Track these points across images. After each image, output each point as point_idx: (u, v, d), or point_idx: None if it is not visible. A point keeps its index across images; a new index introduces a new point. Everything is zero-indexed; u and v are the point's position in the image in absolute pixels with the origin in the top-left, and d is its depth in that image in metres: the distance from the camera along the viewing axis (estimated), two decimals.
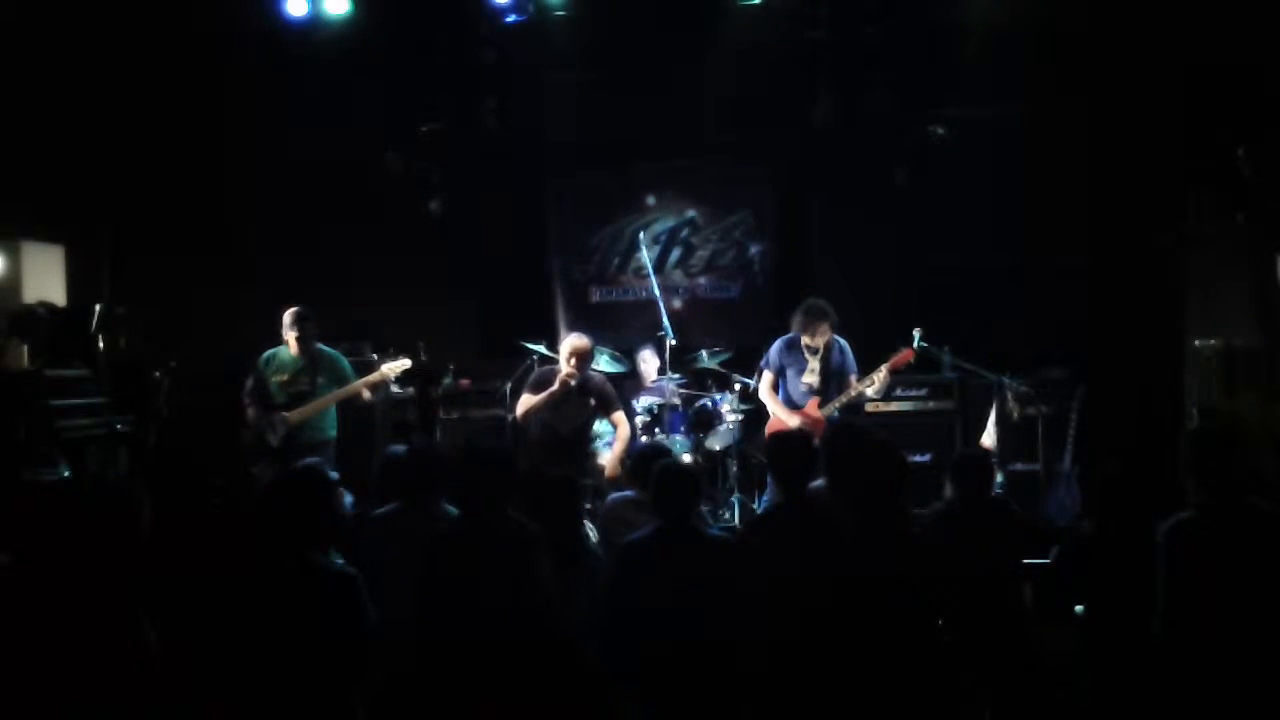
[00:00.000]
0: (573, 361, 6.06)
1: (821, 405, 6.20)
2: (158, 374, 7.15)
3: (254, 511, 3.57)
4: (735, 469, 7.33)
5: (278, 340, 6.24)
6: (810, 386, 6.24)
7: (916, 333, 6.46)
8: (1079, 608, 3.91)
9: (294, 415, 6.08)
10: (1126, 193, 7.67)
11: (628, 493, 4.86)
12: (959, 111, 7.96)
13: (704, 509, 6.52)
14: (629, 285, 9.03)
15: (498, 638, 3.54)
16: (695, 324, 8.59)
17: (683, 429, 7.38)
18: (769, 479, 5.80)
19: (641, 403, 7.51)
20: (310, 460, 5.22)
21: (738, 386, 7.37)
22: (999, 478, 6.61)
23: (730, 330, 8.48)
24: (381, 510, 4.20)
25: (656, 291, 7.55)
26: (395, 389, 7.52)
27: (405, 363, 6.43)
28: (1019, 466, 7.09)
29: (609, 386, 6.37)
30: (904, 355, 6.26)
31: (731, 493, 7.27)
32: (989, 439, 7.16)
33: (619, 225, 9.08)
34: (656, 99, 8.36)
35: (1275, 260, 6.67)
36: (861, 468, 3.70)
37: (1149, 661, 3.53)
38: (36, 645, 2.87)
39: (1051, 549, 4.10)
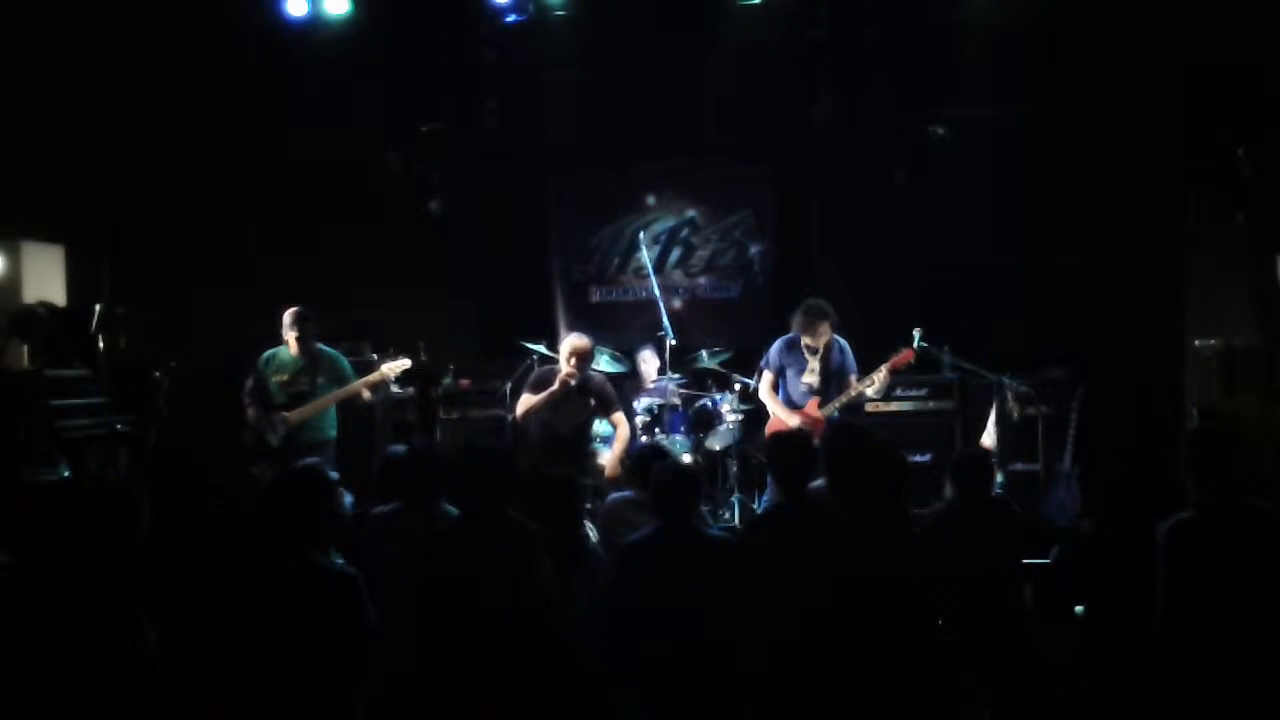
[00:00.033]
0: (573, 361, 6.06)
1: (821, 405, 6.20)
2: (158, 374, 7.14)
3: (254, 511, 3.57)
4: (735, 469, 7.33)
5: (278, 340, 6.24)
6: (810, 386, 6.24)
7: (916, 333, 6.46)
8: (1079, 608, 3.91)
9: (294, 415, 6.08)
10: (1126, 193, 7.67)
11: (627, 493, 4.86)
12: (959, 111, 7.96)
13: (704, 509, 6.53)
14: (629, 285, 9.03)
15: (498, 638, 3.54)
16: (695, 324, 8.59)
17: (683, 429, 7.38)
18: (769, 479, 5.80)
19: (642, 403, 7.51)
20: (310, 460, 5.23)
21: (738, 386, 7.37)
22: (999, 478, 6.61)
23: (730, 330, 8.47)
24: (381, 510, 4.20)
25: (656, 291, 7.55)
26: (395, 389, 7.52)
27: (405, 363, 6.43)
28: (1019, 466, 7.08)
29: (609, 387, 6.37)
30: (904, 355, 6.26)
31: (731, 493, 7.27)
32: (989, 439, 7.16)
33: (619, 225, 9.08)
34: (656, 99, 8.36)
35: (1275, 260, 6.67)
36: (861, 468, 3.70)
37: (1149, 661, 3.53)
38: (36, 645, 2.87)
39: (1051, 549, 4.10)
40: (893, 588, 3.47)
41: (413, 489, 4.14)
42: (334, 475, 3.66)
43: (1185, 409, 7.07)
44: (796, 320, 6.31)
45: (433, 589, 3.63)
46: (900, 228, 8.31)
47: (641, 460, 4.79)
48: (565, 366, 6.08)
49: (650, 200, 9.07)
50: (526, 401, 6.16)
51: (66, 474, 6.02)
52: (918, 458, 6.87)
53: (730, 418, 7.33)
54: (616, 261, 9.09)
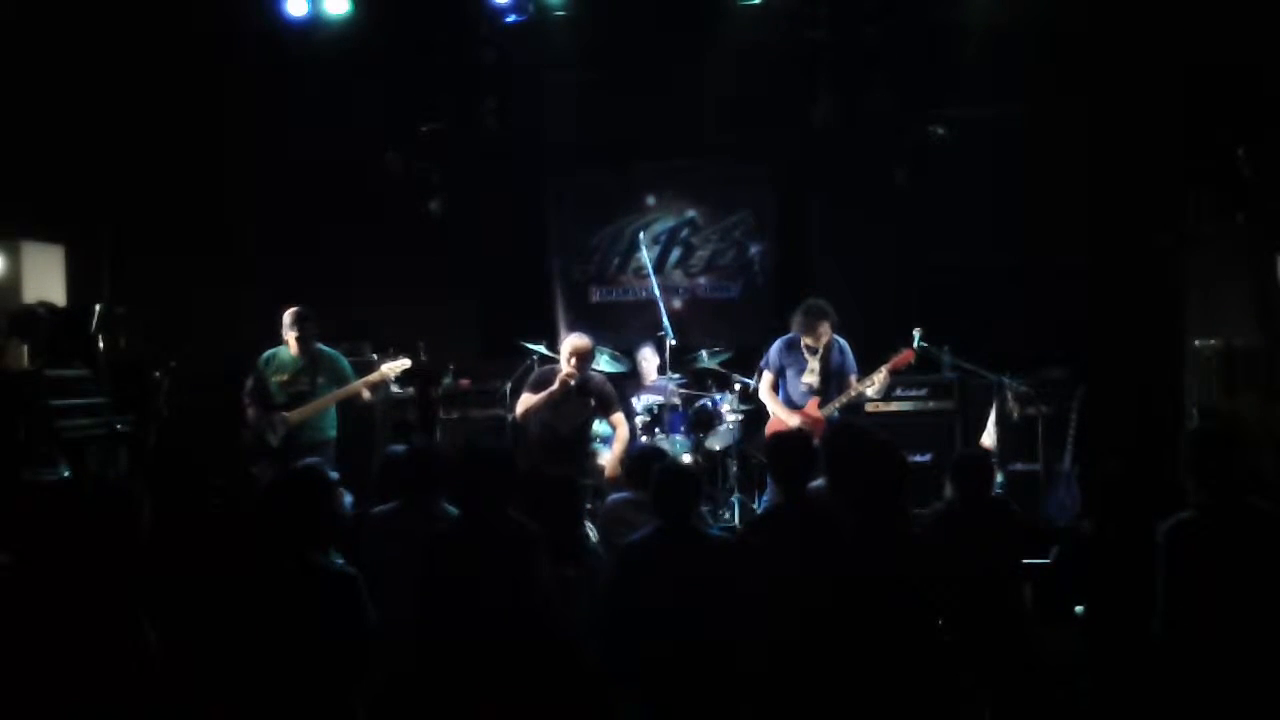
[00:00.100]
0: (573, 361, 6.06)
1: (821, 405, 6.20)
2: (158, 374, 7.14)
3: (254, 511, 3.57)
4: (735, 469, 7.33)
5: (278, 340, 6.24)
6: (810, 386, 6.24)
7: (916, 333, 6.46)
8: (1079, 608, 3.91)
9: (294, 415, 6.08)
10: (1126, 193, 7.67)
11: (627, 494, 4.87)
12: (959, 111, 7.96)
13: (704, 509, 6.53)
14: (629, 285, 9.03)
15: (497, 638, 3.54)
16: (695, 324, 8.59)
17: (683, 429, 7.38)
18: (769, 479, 5.79)
19: (642, 402, 7.51)
20: (310, 460, 5.23)
21: (738, 386, 7.37)
22: (999, 478, 6.61)
23: (730, 330, 8.47)
24: (381, 510, 4.20)
25: (656, 291, 7.55)
26: (395, 389, 7.52)
27: (405, 363, 6.43)
28: (1019, 466, 7.08)
29: (609, 387, 6.37)
30: (904, 356, 6.26)
31: (731, 493, 7.27)
32: (989, 439, 7.16)
33: (619, 225, 9.08)
34: (656, 99, 8.36)
35: (1275, 260, 6.67)
36: (861, 468, 3.70)
37: (1149, 661, 3.53)
38: (36, 645, 2.87)
39: (1051, 549, 4.10)
40: (893, 588, 3.47)
41: (413, 489, 4.15)
42: (334, 475, 3.66)
43: (1185, 409, 7.07)
44: (796, 320, 6.30)
45: (433, 589, 3.63)
46: (900, 228, 8.31)
47: (640, 461, 4.80)
48: (565, 366, 6.08)
49: (650, 200, 9.07)
50: (526, 401, 6.16)
51: (66, 474, 6.02)
52: (918, 458, 6.87)
53: (730, 418, 7.33)
54: (616, 261, 9.09)
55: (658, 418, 7.39)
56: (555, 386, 6.04)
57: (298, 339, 6.15)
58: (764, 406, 6.47)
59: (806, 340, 6.27)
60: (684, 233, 9.03)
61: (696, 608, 3.61)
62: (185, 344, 7.64)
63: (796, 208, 8.88)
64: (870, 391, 6.28)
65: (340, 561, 3.54)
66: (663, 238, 9.00)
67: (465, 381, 8.09)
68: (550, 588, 3.73)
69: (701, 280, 9.02)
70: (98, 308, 7.15)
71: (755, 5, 7.81)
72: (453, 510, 4.01)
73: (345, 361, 6.38)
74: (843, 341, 6.35)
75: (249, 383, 6.18)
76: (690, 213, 9.02)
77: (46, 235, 7.63)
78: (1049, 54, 7.62)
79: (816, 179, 8.66)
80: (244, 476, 5.63)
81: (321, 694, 3.20)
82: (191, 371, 7.32)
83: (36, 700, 2.85)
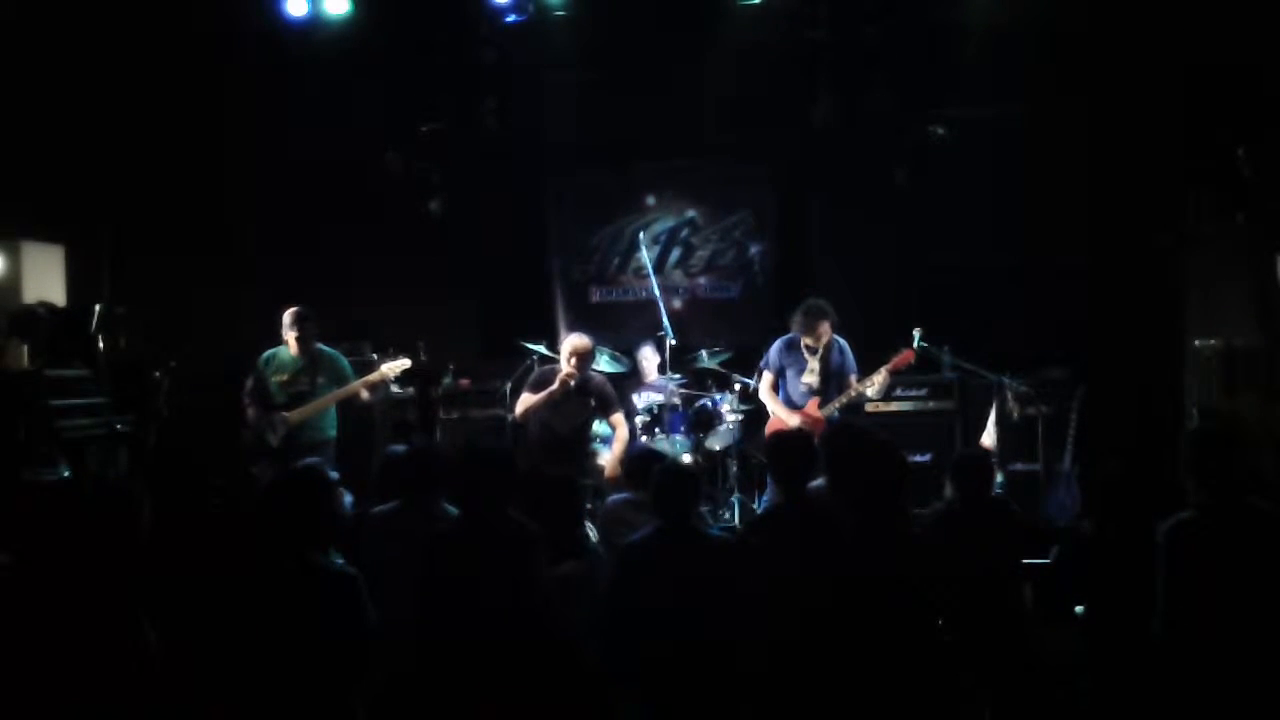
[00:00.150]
0: (573, 361, 6.06)
1: (821, 405, 6.20)
2: (158, 374, 7.14)
3: (254, 511, 3.57)
4: (735, 469, 7.33)
5: (278, 340, 6.24)
6: (810, 387, 6.24)
7: (916, 333, 6.46)
8: (1079, 608, 3.91)
9: (294, 415, 6.08)
10: (1126, 193, 7.67)
11: (627, 494, 4.87)
12: (959, 111, 7.96)
13: (704, 509, 6.53)
14: (629, 285, 9.03)
15: (497, 638, 3.54)
16: (695, 324, 8.59)
17: (683, 429, 7.38)
18: (769, 479, 5.80)
19: (642, 401, 7.51)
20: (310, 460, 5.23)
21: (738, 386, 7.37)
22: (999, 478, 6.61)
23: (730, 330, 8.47)
24: (381, 509, 4.20)
25: (656, 291, 7.56)
26: (395, 389, 7.52)
27: (405, 363, 6.43)
28: (1019, 466, 7.08)
29: (609, 387, 6.37)
30: (904, 356, 6.26)
31: (731, 493, 7.26)
32: (989, 439, 7.16)
33: (619, 225, 9.08)
34: (656, 99, 8.36)
35: (1275, 260, 6.67)
36: (861, 468, 3.70)
37: (1149, 661, 3.53)
38: (36, 645, 2.87)
39: (1051, 549, 4.10)
40: (893, 588, 3.47)
41: (413, 489, 4.15)
42: (334, 475, 3.66)
43: (1185, 409, 7.07)
44: (796, 320, 6.30)
45: (433, 589, 3.63)
46: (900, 228, 8.31)
47: (640, 462, 4.80)
48: (565, 366, 6.08)
49: (650, 200, 9.07)
50: (526, 401, 6.16)
51: (66, 474, 6.02)
52: (918, 458, 6.87)
53: (730, 418, 7.33)
54: (616, 261, 9.09)
55: (658, 418, 7.39)
56: (555, 386, 6.04)
57: (298, 339, 6.15)
58: (764, 406, 6.47)
59: (806, 340, 6.27)
60: (684, 233, 9.03)
61: (696, 608, 3.61)
62: (185, 344, 7.64)
63: (796, 208, 8.88)
64: (870, 392, 6.28)
65: (340, 561, 3.54)
66: (663, 238, 9.00)
67: (465, 381, 8.10)
68: (550, 588, 3.73)
69: (701, 280, 9.02)
70: (98, 308, 7.15)
71: (755, 5, 7.81)
72: (453, 510, 4.01)
73: (345, 361, 6.38)
74: (843, 341, 6.35)
75: (249, 383, 6.18)
76: (690, 213, 9.02)
77: (46, 235, 7.63)
78: (1049, 54, 7.62)
79: (816, 179, 8.67)
80: (244, 476, 5.63)
81: (321, 694, 3.20)
82: (191, 371, 7.32)
83: (37, 700, 2.85)
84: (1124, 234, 7.69)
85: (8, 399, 6.17)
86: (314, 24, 7.79)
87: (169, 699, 2.97)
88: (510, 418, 7.08)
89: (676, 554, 3.71)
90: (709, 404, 7.52)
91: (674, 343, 7.22)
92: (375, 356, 7.22)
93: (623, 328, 8.68)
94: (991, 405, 7.22)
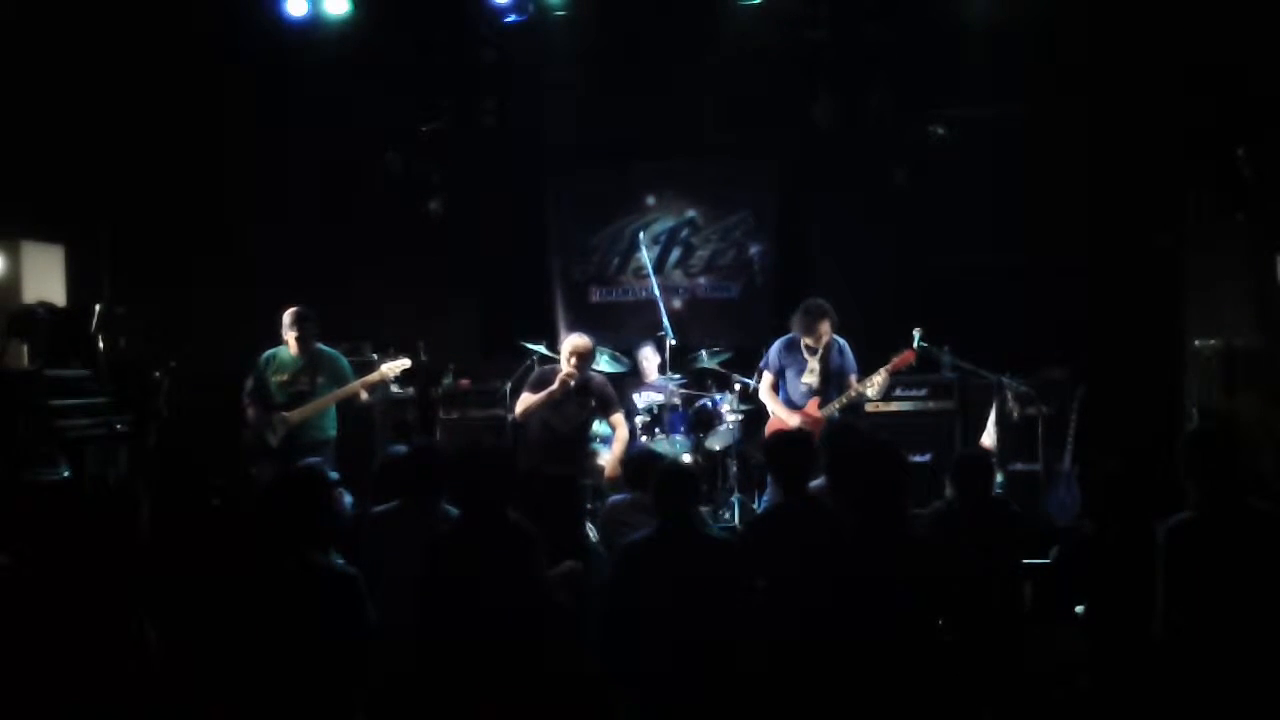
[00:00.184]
0: (573, 361, 6.06)
1: (821, 405, 6.19)
2: (158, 374, 7.14)
3: (254, 511, 3.57)
4: (735, 469, 7.33)
5: (278, 340, 6.24)
6: (810, 387, 6.23)
7: (916, 333, 6.46)
8: (1079, 608, 3.91)
9: (294, 415, 6.08)
10: (1126, 193, 7.67)
11: (627, 495, 4.87)
12: (959, 111, 7.97)
13: (704, 509, 6.53)
14: (629, 285, 9.03)
15: (497, 638, 3.54)
16: (695, 324, 8.58)
17: (683, 429, 7.38)
18: (769, 479, 5.79)
19: (642, 401, 7.51)
20: (310, 460, 5.25)
21: (738, 386, 7.37)
22: (999, 478, 6.61)
23: (730, 330, 8.47)
24: (381, 509, 4.20)
25: (656, 291, 7.55)
26: (395, 389, 7.53)
27: (405, 363, 6.43)
28: (1019, 466, 7.08)
29: (609, 388, 6.37)
30: (905, 357, 6.26)
31: (731, 493, 7.26)
32: (989, 439, 7.16)
33: (619, 225, 9.08)
34: (656, 99, 8.36)
35: (1275, 260, 6.67)
36: (861, 468, 3.70)
37: (1149, 661, 3.53)
38: (36, 645, 2.88)
39: (1051, 549, 4.10)
40: (893, 588, 3.47)
41: (413, 489, 4.15)
42: (334, 475, 3.67)
43: (1185, 409, 7.07)
44: (796, 320, 6.29)
45: (433, 589, 3.63)
46: (900, 228, 8.31)
47: (639, 463, 4.81)
48: (566, 366, 6.08)
49: (650, 200, 9.07)
50: (526, 401, 6.15)
51: (66, 474, 6.02)
52: (918, 458, 6.85)
53: (730, 418, 7.33)
54: (616, 261, 9.09)
55: (658, 418, 7.39)
56: (555, 386, 6.04)
57: (298, 339, 6.15)
58: (764, 406, 6.47)
59: (806, 340, 6.26)
60: (684, 233, 9.03)
61: (696, 608, 3.61)
62: (185, 344, 7.64)
63: (796, 208, 8.88)
64: (870, 392, 6.27)
65: (340, 561, 3.54)
66: (663, 238, 9.00)
67: (465, 381, 8.10)
68: (550, 588, 3.74)
69: (701, 280, 9.02)
70: (98, 308, 7.14)
71: (755, 5, 7.80)
72: (453, 510, 4.01)
73: (345, 361, 6.37)
74: (842, 341, 6.34)
75: (249, 383, 6.18)
76: (690, 213, 9.02)
77: (46, 235, 7.63)
78: (1049, 54, 7.62)
79: (816, 179, 8.66)
80: (244, 476, 5.63)
81: (321, 694, 3.20)
82: (191, 371, 7.32)
83: (37, 700, 2.85)
84: (1124, 234, 7.69)
85: (8, 399, 6.17)
86: (314, 24, 7.79)
87: (169, 699, 2.97)
88: (510, 418, 7.08)
89: (676, 554, 3.71)
90: (709, 404, 7.52)
91: (674, 343, 7.22)
92: (375, 356, 7.23)
93: (623, 328, 8.68)
94: (991, 405, 7.22)
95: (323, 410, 6.18)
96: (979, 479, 4.42)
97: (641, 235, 8.60)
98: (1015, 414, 7.12)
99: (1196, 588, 3.43)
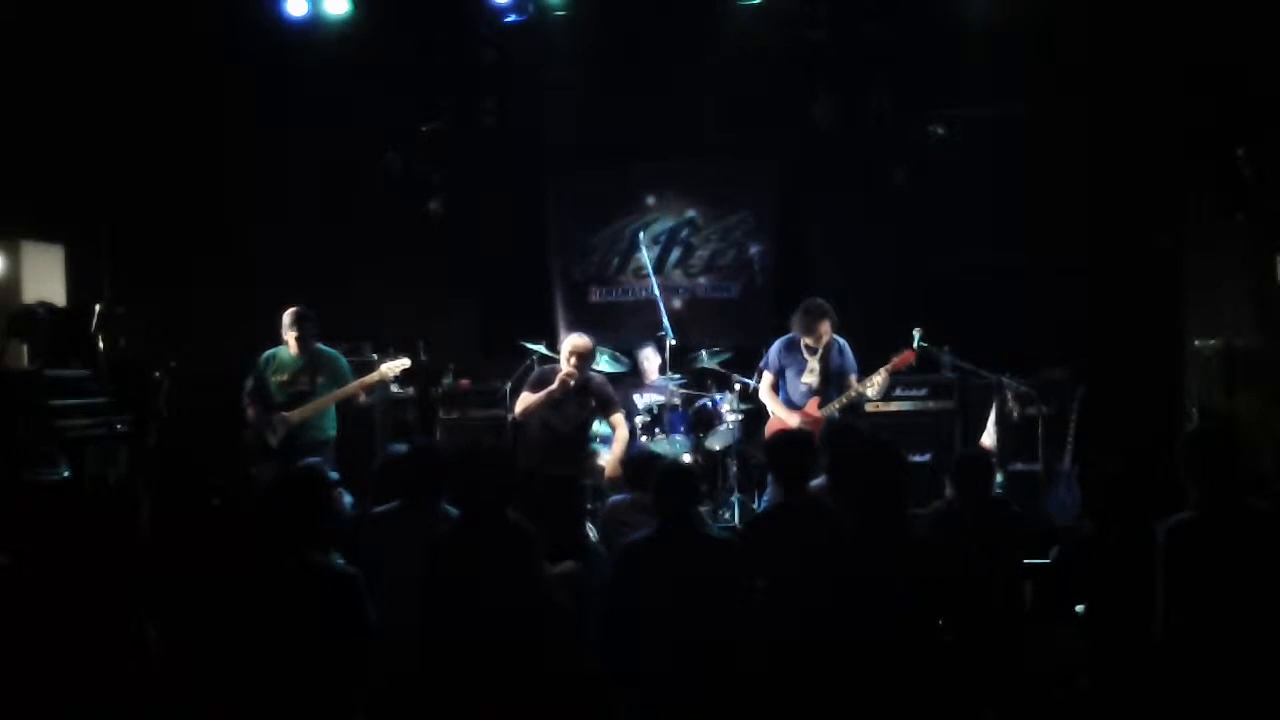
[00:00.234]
0: (573, 360, 6.06)
1: (821, 405, 6.19)
2: (158, 374, 7.14)
3: (254, 511, 3.57)
4: (735, 469, 7.33)
5: (278, 340, 6.24)
6: (810, 387, 6.22)
7: (916, 333, 6.46)
8: (1079, 608, 3.91)
9: (294, 415, 6.08)
10: (1126, 193, 7.67)
11: (627, 495, 4.87)
12: (959, 111, 7.97)
13: (704, 509, 6.53)
14: (629, 285, 9.03)
15: (498, 638, 3.54)
16: (695, 324, 8.58)
17: (683, 429, 7.38)
18: (769, 479, 5.79)
19: (643, 401, 7.51)
20: (310, 460, 5.25)
21: (738, 386, 7.37)
22: (999, 478, 6.61)
23: (730, 330, 8.47)
24: (381, 509, 4.20)
25: (656, 291, 7.56)
26: (395, 389, 7.53)
27: (405, 363, 6.43)
28: (1019, 466, 7.08)
29: (609, 388, 6.37)
30: (905, 357, 6.25)
31: (731, 493, 7.26)
32: (989, 439, 7.16)
33: (619, 225, 9.07)
34: (656, 99, 8.36)
35: (1275, 260, 6.67)
36: (861, 468, 3.70)
37: (1149, 661, 3.53)
38: (36, 645, 2.88)
39: (1051, 549, 4.10)
40: (893, 588, 3.47)
41: (413, 489, 4.14)
42: (334, 475, 3.67)
43: (1185, 409, 7.07)
44: (796, 320, 6.29)
45: (433, 589, 3.63)
46: (900, 228, 8.31)
47: (637, 464, 4.81)
48: (566, 365, 6.08)
49: (650, 200, 9.06)
50: (526, 400, 6.15)
51: (66, 474, 6.02)
52: (918, 458, 6.86)
53: (730, 418, 7.33)
54: (616, 261, 9.09)
55: (658, 418, 7.39)
56: (555, 386, 6.04)
57: (297, 339, 6.15)
58: (764, 406, 6.47)
59: (806, 340, 6.25)
60: (684, 233, 9.03)
61: (696, 608, 3.61)
62: (185, 344, 7.64)
63: (796, 208, 8.88)
64: (870, 392, 6.27)
65: (340, 561, 3.54)
66: (663, 238, 9.00)
67: (465, 381, 8.10)
68: (550, 588, 3.73)
69: (701, 280, 9.02)
70: (98, 308, 7.14)
71: (755, 5, 7.81)
72: (453, 511, 4.01)
73: (345, 361, 6.37)
74: (842, 341, 6.34)
75: (249, 383, 6.18)
76: (690, 213, 9.02)
77: (46, 235, 7.63)
78: (1049, 54, 7.62)
79: (816, 179, 8.66)
80: (244, 476, 5.63)
81: (321, 694, 3.20)
82: (191, 371, 7.32)
83: (37, 700, 2.85)
84: (1124, 234, 7.69)
85: (8, 399, 6.17)
86: (314, 24, 7.79)
87: (169, 699, 2.97)
88: (510, 418, 7.08)
89: (676, 554, 3.71)
90: (709, 404, 7.52)
91: (674, 343, 7.22)
92: (375, 356, 7.23)
93: (623, 328, 8.68)
94: (991, 405, 7.22)
95: (322, 410, 6.18)
96: (979, 479, 4.42)
97: (641, 235, 8.61)
98: (1015, 414, 7.13)
99: (1196, 588, 3.43)
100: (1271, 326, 6.72)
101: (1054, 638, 4.04)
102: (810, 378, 6.23)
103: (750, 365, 7.07)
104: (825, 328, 6.21)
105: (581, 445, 6.34)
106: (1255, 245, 6.82)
